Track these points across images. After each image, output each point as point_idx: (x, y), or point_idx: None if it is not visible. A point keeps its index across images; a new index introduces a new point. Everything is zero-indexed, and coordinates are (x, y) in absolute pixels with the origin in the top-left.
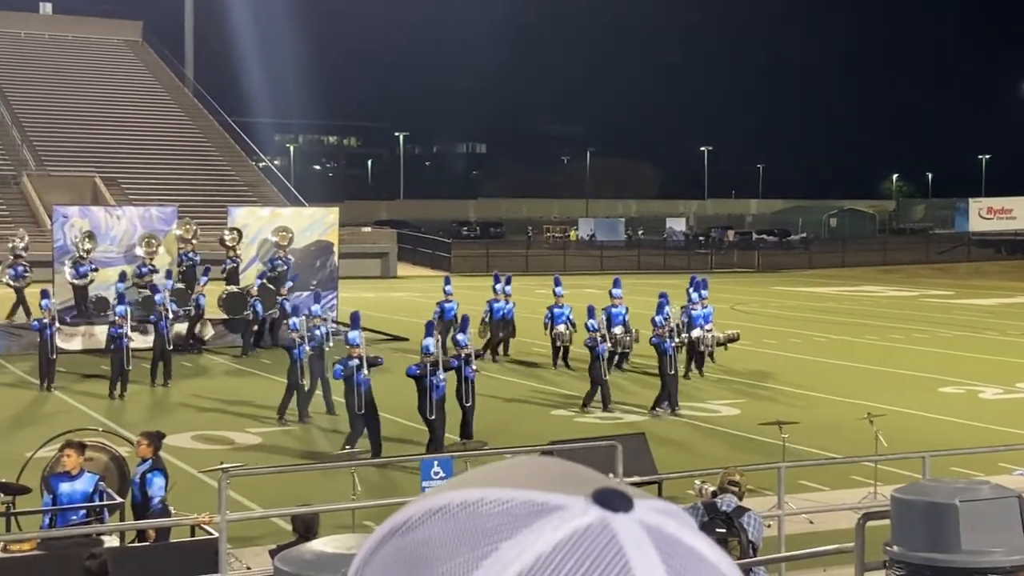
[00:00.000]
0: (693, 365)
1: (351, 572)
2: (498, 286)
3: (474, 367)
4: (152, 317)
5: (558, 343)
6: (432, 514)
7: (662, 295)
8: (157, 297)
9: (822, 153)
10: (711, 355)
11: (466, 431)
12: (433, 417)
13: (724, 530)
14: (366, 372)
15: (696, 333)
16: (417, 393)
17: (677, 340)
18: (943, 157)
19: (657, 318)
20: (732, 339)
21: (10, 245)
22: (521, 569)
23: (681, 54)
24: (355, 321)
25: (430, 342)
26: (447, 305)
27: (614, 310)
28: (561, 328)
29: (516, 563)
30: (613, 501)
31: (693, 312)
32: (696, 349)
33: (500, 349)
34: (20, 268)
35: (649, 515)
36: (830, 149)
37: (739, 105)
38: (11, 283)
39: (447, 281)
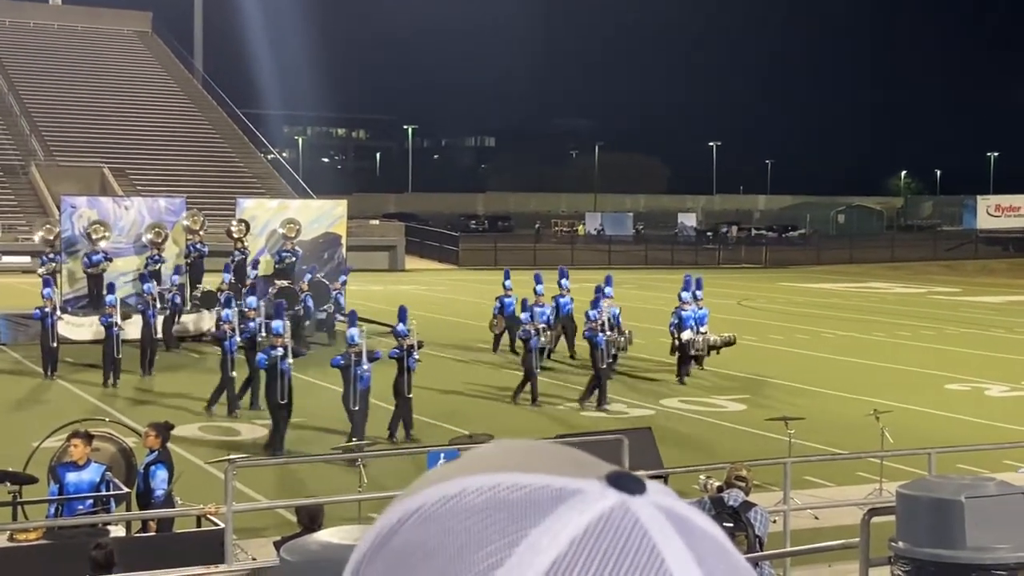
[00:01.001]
0: (686, 368)
1: (352, 564)
2: (563, 281)
3: (416, 357)
4: (140, 306)
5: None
6: (448, 501)
7: (597, 289)
8: (146, 287)
9: (830, 149)
10: (699, 360)
11: (405, 422)
12: (356, 408)
13: (731, 524)
14: (290, 361)
15: (686, 335)
16: (342, 383)
17: (609, 334)
18: (951, 154)
19: (591, 312)
20: (728, 343)
21: (38, 236)
22: (557, 555)
23: (691, 50)
24: (278, 310)
25: (354, 332)
26: (507, 300)
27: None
28: (541, 327)
29: (551, 548)
30: (628, 484)
31: (683, 313)
32: (687, 352)
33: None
34: (44, 257)
35: (662, 497)
36: (838, 145)
37: (748, 101)
38: (38, 272)
39: (507, 275)
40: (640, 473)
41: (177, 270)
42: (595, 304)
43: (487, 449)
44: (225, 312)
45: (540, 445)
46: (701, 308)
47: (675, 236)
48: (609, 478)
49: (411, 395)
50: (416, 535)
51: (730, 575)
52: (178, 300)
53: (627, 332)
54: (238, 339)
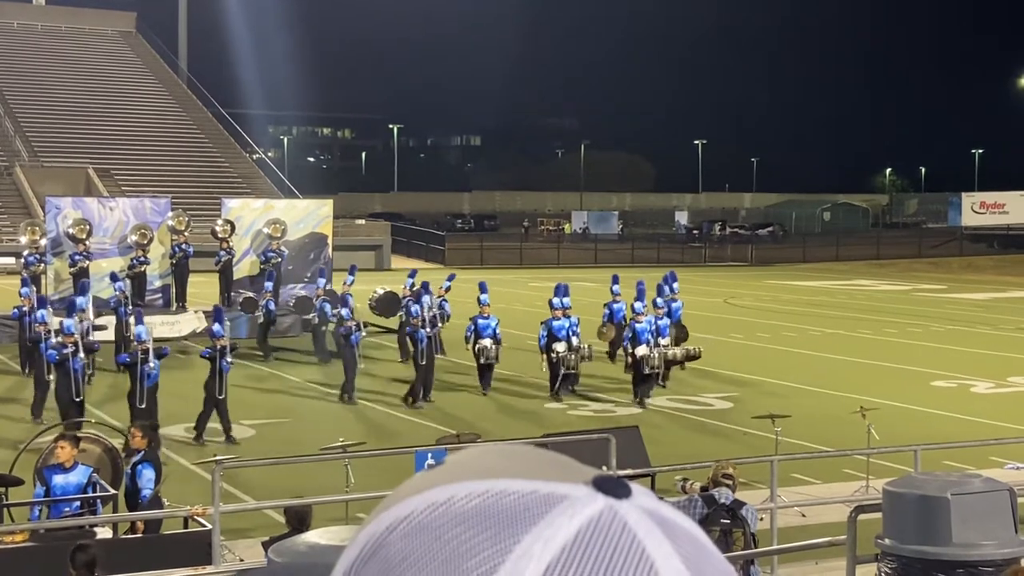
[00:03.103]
0: (644, 388)
1: (340, 573)
2: (674, 284)
3: (229, 359)
4: (112, 304)
5: (482, 359)
6: (437, 508)
7: (424, 284)
8: (117, 285)
9: (816, 147)
10: (659, 376)
11: (224, 424)
12: (143, 406)
13: (728, 521)
14: (82, 357)
15: (641, 351)
16: (129, 381)
17: (430, 331)
18: (936, 151)
19: (414, 308)
20: (692, 356)
21: (23, 239)
22: (550, 561)
23: (676, 47)
24: (71, 309)
25: (142, 330)
26: (615, 306)
27: (555, 323)
28: (487, 342)
29: (544, 555)
30: (614, 488)
31: (637, 326)
32: (641, 370)
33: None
34: (31, 258)
35: (645, 500)
36: (824, 143)
37: (733, 99)
38: (23, 273)
39: (615, 280)
40: (623, 474)
41: (322, 274)
42: (418, 299)
43: (472, 454)
44: (40, 313)
45: (523, 450)
46: (661, 317)
47: (672, 235)
48: (596, 482)
49: (223, 396)
50: (406, 544)
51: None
52: (272, 306)
53: (585, 347)
54: (55, 340)
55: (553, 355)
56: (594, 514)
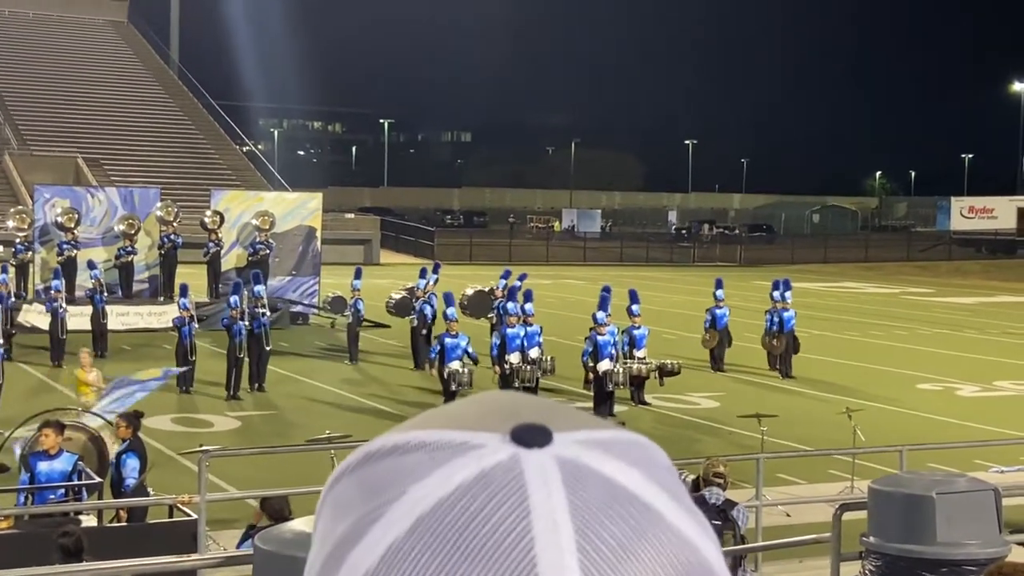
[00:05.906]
0: (606, 407)
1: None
2: (780, 293)
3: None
4: (88, 291)
5: (453, 385)
6: (371, 456)
7: (254, 276)
8: (93, 273)
9: (806, 149)
10: (638, 399)
11: None
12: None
13: (719, 523)
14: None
15: (604, 366)
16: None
17: (247, 324)
18: (926, 155)
19: (232, 298)
20: (669, 372)
21: (11, 224)
22: (422, 513)
23: (668, 47)
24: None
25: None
26: (718, 312)
27: (509, 331)
28: (456, 365)
29: (419, 506)
30: (529, 437)
31: (599, 338)
32: (603, 388)
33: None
34: (18, 247)
35: (567, 448)
36: (814, 145)
37: (724, 100)
38: (12, 261)
39: (719, 285)
40: (580, 416)
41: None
42: (235, 291)
43: (445, 406)
44: None
45: (506, 398)
46: (639, 328)
47: (662, 234)
48: (513, 431)
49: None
50: (343, 487)
51: (623, 535)
52: (361, 306)
53: (548, 359)
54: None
55: (506, 367)
56: (489, 465)
